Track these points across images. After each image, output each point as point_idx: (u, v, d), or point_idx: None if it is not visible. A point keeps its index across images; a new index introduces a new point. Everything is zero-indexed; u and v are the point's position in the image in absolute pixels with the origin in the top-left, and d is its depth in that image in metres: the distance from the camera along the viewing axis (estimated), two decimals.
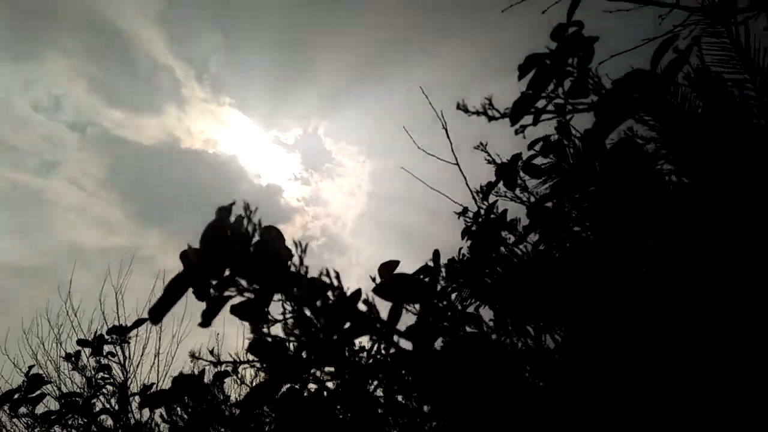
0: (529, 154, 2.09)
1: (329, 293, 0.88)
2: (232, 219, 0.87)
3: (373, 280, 1.61)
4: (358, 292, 0.91)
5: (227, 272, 0.77)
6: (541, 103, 1.19)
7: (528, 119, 1.19)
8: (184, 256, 0.81)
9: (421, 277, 2.51)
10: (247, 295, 0.75)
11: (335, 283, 0.87)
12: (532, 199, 2.37)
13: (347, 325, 0.85)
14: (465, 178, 2.65)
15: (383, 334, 0.81)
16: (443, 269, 2.39)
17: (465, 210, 2.65)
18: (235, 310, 0.99)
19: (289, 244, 0.95)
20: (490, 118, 1.08)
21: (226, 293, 0.78)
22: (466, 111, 1.15)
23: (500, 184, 2.43)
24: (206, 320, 0.72)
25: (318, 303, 0.83)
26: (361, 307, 0.88)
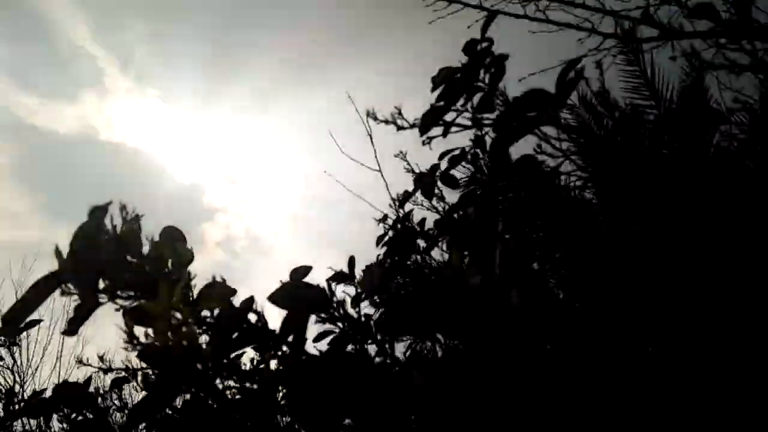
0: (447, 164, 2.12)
1: (219, 302, 0.84)
2: (119, 220, 0.81)
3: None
4: (249, 299, 0.88)
5: (103, 278, 0.71)
6: (454, 116, 1.20)
7: (438, 130, 1.20)
8: (57, 254, 0.74)
9: (334, 283, 2.48)
10: (120, 302, 0.70)
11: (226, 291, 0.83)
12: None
13: (236, 335, 0.81)
14: (386, 185, 2.65)
15: (272, 346, 0.78)
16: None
17: (385, 217, 2.65)
18: (129, 313, 0.93)
19: (211, 244, 0.91)
20: (399, 128, 1.07)
21: (101, 299, 0.72)
22: (375, 119, 1.14)
23: (418, 193, 2.45)
24: (72, 329, 0.66)
25: (204, 312, 0.78)
26: (252, 316, 0.85)
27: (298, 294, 0.90)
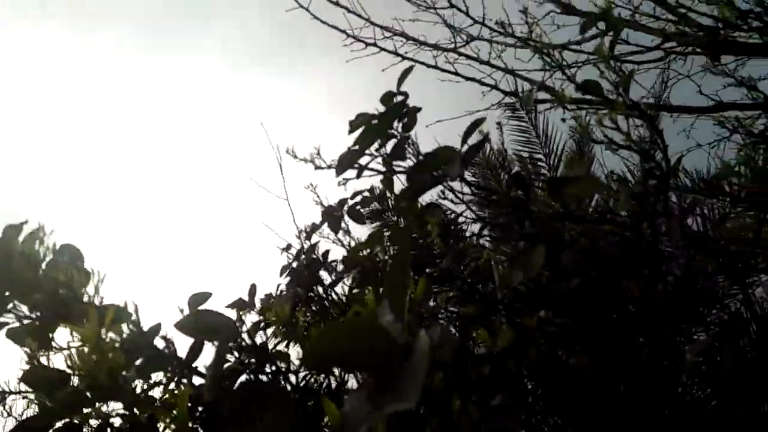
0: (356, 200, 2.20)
1: (128, 325, 0.84)
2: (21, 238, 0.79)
3: (182, 311, 1.55)
4: (157, 326, 0.88)
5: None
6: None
7: (352, 173, 1.27)
8: None
9: (234, 310, 2.46)
10: (25, 321, 0.69)
11: (133, 315, 0.83)
12: (353, 243, 2.49)
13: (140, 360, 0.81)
14: (293, 214, 2.68)
15: (179, 371, 0.79)
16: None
17: (288, 246, 2.66)
18: (12, 335, 0.89)
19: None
20: (317, 167, 1.13)
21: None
22: (295, 157, 1.19)
23: (325, 226, 2.49)
24: None
25: (108, 335, 0.78)
26: (160, 342, 0.85)
27: (206, 322, 0.91)
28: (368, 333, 0.46)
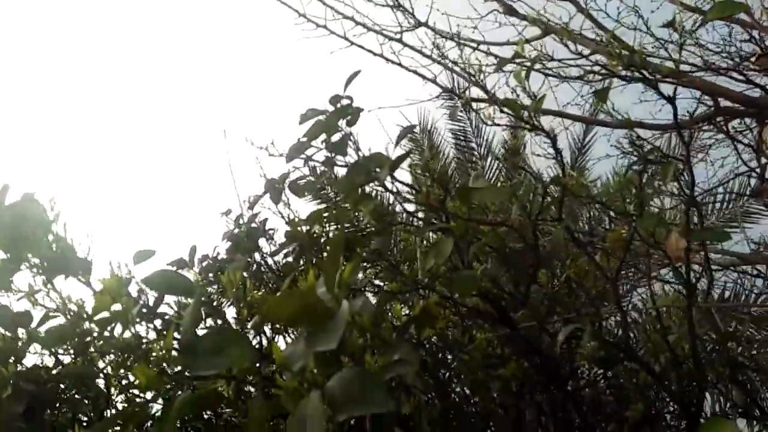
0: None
1: None
2: None
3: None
4: (129, 279, 1.06)
5: None
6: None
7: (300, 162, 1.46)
8: None
9: (175, 268, 2.65)
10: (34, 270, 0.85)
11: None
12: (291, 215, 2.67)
13: None
14: (235, 184, 2.82)
15: (150, 316, 0.98)
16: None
17: (228, 211, 2.81)
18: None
19: None
20: (270, 154, 1.31)
21: None
22: (252, 144, 1.37)
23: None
24: None
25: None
26: None
27: (169, 279, 1.09)
28: (308, 301, 0.67)
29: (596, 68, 3.36)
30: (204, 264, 2.56)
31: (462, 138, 4.14)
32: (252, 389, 0.82)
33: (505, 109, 1.58)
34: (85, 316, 0.95)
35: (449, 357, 1.93)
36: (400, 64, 3.29)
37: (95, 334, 0.96)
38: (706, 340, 2.12)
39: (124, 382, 1.25)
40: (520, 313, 1.57)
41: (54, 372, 1.35)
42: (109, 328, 0.94)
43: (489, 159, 4.13)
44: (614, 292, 1.63)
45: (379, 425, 0.89)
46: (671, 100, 1.43)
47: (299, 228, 1.65)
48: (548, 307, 1.53)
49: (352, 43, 3.26)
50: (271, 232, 2.55)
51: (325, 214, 1.54)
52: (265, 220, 2.54)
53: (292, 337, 1.47)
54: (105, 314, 0.91)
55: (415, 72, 3.32)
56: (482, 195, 1.17)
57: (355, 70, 1.54)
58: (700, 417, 1.75)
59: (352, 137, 1.42)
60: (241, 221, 2.64)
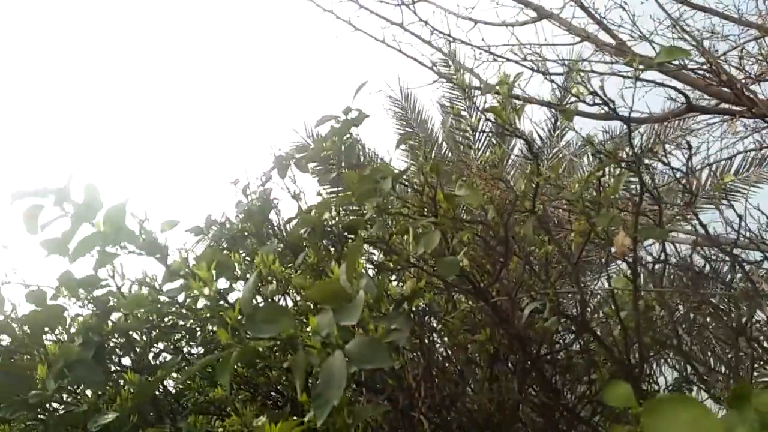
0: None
1: None
2: None
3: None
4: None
5: None
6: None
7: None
8: None
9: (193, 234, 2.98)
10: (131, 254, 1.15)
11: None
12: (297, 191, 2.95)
13: None
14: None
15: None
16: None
17: (237, 180, 3.09)
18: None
19: None
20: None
21: None
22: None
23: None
24: None
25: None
26: None
27: (220, 259, 1.39)
28: (335, 288, 0.98)
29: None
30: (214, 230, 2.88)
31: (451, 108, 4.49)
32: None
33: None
34: (156, 287, 1.25)
35: (434, 322, 2.26)
36: (399, 50, 3.52)
37: (165, 301, 1.26)
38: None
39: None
40: (495, 291, 1.88)
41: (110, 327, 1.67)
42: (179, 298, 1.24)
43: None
44: (575, 275, 1.94)
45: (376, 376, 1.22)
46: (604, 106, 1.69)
47: (311, 213, 1.93)
48: (517, 285, 1.84)
49: (356, 28, 3.48)
50: (275, 201, 2.83)
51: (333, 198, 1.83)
52: (270, 190, 2.81)
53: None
54: (174, 286, 1.21)
55: (414, 59, 3.56)
56: (466, 198, 1.46)
57: (363, 81, 1.82)
58: (641, 381, 2.11)
59: (360, 143, 1.70)
60: (248, 191, 2.92)
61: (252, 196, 2.82)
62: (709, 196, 4.83)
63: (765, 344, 1.92)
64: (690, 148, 1.54)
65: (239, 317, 0.97)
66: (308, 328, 1.01)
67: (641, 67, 1.57)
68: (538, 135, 7.33)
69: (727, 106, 3.63)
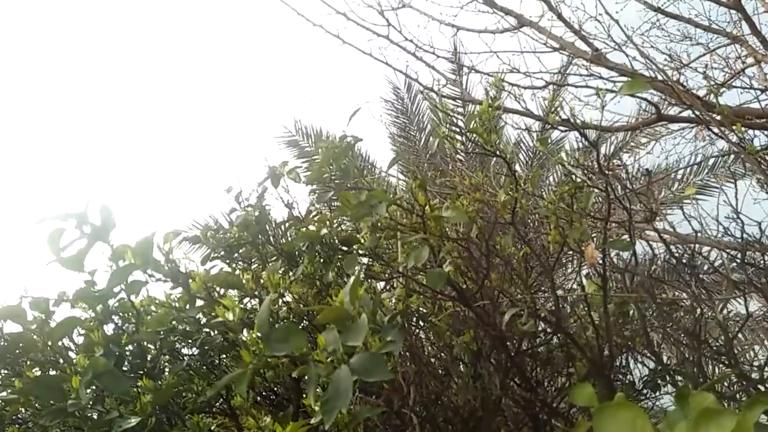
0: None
1: None
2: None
3: None
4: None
5: None
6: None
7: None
8: None
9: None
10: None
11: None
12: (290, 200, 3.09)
13: None
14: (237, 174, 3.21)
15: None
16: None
17: (230, 188, 3.22)
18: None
19: None
20: (295, 180, 1.75)
21: None
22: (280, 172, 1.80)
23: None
24: None
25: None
26: None
27: (229, 279, 1.55)
28: (340, 312, 1.14)
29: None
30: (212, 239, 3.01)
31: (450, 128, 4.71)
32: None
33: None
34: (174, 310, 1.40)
35: (422, 324, 2.44)
36: (387, 63, 3.67)
37: (186, 320, 1.42)
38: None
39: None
40: (479, 294, 2.06)
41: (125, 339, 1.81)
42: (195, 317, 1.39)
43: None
44: (551, 281, 2.13)
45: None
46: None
47: (308, 227, 2.08)
48: (498, 292, 2.02)
49: (345, 42, 3.63)
50: (267, 207, 2.97)
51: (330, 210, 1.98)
52: (265, 189, 2.93)
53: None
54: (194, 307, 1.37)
55: (401, 71, 3.72)
56: (452, 217, 1.63)
57: (357, 108, 1.97)
58: (612, 377, 2.30)
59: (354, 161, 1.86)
60: (240, 198, 3.05)
61: (245, 202, 2.95)
62: (681, 197, 5.08)
63: (715, 345, 2.13)
64: (649, 173, 1.72)
65: (257, 336, 1.13)
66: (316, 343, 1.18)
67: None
68: (523, 141, 7.57)
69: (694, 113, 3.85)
